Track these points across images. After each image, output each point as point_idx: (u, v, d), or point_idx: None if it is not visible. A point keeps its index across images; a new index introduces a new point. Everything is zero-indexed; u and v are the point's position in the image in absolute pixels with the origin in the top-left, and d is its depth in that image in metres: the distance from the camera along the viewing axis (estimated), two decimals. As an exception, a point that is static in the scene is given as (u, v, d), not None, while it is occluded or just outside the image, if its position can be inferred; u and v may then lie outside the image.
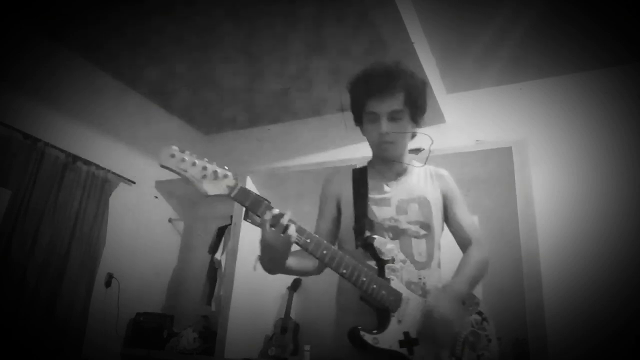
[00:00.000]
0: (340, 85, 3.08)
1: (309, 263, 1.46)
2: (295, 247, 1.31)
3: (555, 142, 2.69)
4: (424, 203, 1.48)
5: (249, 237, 2.96)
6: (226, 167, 1.25)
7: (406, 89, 1.44)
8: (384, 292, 1.31)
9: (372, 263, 1.39)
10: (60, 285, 2.59)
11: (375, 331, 1.29)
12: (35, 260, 2.47)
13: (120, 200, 3.07)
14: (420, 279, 1.39)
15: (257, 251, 3.22)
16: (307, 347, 2.76)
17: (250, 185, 3.04)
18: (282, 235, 1.23)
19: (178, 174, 1.22)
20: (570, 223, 2.49)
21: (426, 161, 1.59)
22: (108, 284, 2.98)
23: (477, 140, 2.58)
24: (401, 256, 1.38)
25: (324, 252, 1.28)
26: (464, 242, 1.52)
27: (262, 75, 3.06)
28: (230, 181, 1.24)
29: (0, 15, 2.54)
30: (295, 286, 3.01)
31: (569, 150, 2.65)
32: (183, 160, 1.22)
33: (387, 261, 1.36)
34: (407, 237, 1.43)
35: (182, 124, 3.78)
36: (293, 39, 2.66)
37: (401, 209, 1.46)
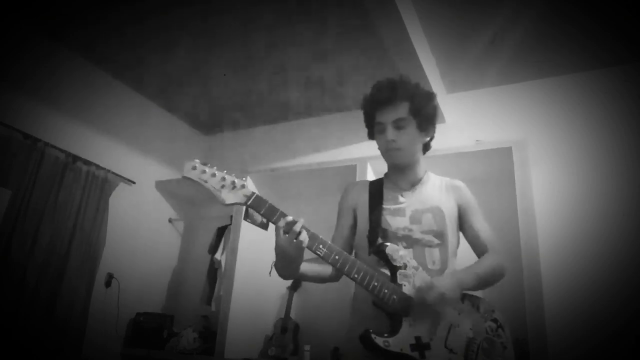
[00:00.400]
0: (340, 85, 3.10)
1: (325, 270, 1.50)
2: (311, 255, 1.35)
3: (555, 142, 2.69)
4: (437, 213, 1.51)
5: (249, 237, 2.96)
6: (244, 178, 1.33)
7: (410, 98, 1.51)
8: (395, 297, 1.34)
9: (387, 270, 1.41)
10: (60, 285, 2.59)
11: (386, 335, 1.31)
12: (35, 260, 2.47)
13: (120, 200, 3.07)
14: None
15: (257, 251, 3.23)
16: (307, 347, 2.77)
17: (250, 185, 3.03)
18: (294, 241, 1.27)
19: (199, 184, 1.30)
20: (570, 223, 2.49)
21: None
22: (108, 284, 2.98)
23: (477, 140, 2.58)
24: (413, 263, 1.40)
25: (336, 257, 1.32)
26: (481, 252, 1.53)
27: (262, 75, 3.06)
28: (247, 191, 1.31)
29: (0, 15, 2.55)
30: (295, 286, 3.01)
31: (569, 150, 2.65)
32: (204, 172, 1.30)
33: (399, 267, 1.38)
34: (421, 246, 1.46)
35: (182, 124, 3.78)
36: (293, 39, 2.66)
37: (415, 218, 1.49)
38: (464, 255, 1.58)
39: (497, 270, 1.48)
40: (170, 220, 3.57)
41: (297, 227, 1.26)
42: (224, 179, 1.30)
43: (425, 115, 1.53)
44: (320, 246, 1.30)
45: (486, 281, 1.45)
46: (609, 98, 2.66)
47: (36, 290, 2.47)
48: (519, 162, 2.34)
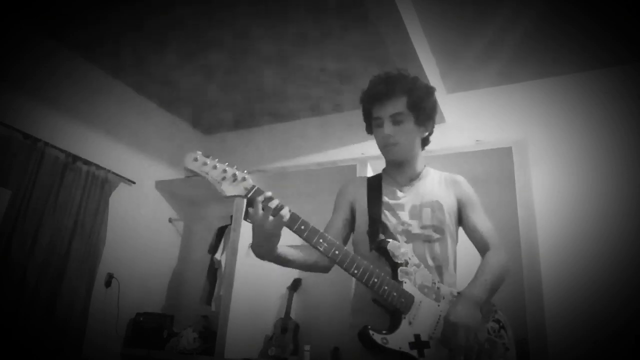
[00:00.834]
0: (340, 85, 3.10)
1: (309, 256, 1.45)
2: (298, 242, 1.32)
3: (555, 142, 2.69)
4: (437, 207, 1.49)
5: (249, 237, 2.95)
6: (245, 171, 1.31)
7: (408, 92, 1.49)
8: (395, 293, 1.32)
9: (387, 266, 1.39)
10: (60, 285, 2.59)
11: (385, 331, 1.30)
12: (35, 260, 2.47)
13: (120, 200, 3.07)
14: (434, 283, 1.40)
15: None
16: (307, 347, 2.77)
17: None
18: (273, 217, 1.25)
19: (200, 175, 1.29)
20: (570, 223, 2.49)
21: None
22: (108, 284, 2.98)
23: (477, 140, 2.58)
24: (415, 260, 1.39)
25: (336, 252, 1.30)
26: (482, 248, 1.51)
27: (262, 75, 3.06)
28: (248, 184, 1.29)
29: (0, 15, 2.55)
30: (295, 286, 3.01)
31: (569, 150, 2.65)
32: (205, 164, 1.29)
33: (400, 264, 1.37)
34: (420, 241, 1.45)
35: (182, 124, 3.78)
36: (293, 39, 2.66)
37: (414, 214, 1.48)
38: (464, 252, 1.57)
39: (501, 271, 1.45)
40: (170, 220, 3.57)
41: (273, 203, 1.25)
42: (225, 171, 1.29)
43: (423, 110, 1.51)
44: (302, 227, 1.28)
45: (495, 287, 1.41)
46: (609, 98, 2.66)
47: (36, 290, 2.47)
48: (519, 162, 2.33)
